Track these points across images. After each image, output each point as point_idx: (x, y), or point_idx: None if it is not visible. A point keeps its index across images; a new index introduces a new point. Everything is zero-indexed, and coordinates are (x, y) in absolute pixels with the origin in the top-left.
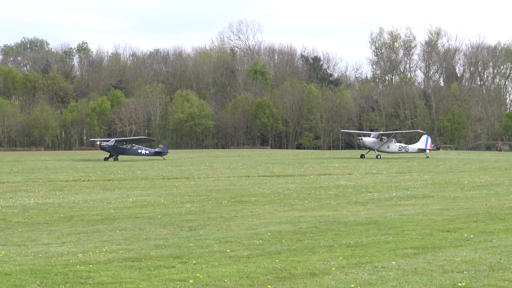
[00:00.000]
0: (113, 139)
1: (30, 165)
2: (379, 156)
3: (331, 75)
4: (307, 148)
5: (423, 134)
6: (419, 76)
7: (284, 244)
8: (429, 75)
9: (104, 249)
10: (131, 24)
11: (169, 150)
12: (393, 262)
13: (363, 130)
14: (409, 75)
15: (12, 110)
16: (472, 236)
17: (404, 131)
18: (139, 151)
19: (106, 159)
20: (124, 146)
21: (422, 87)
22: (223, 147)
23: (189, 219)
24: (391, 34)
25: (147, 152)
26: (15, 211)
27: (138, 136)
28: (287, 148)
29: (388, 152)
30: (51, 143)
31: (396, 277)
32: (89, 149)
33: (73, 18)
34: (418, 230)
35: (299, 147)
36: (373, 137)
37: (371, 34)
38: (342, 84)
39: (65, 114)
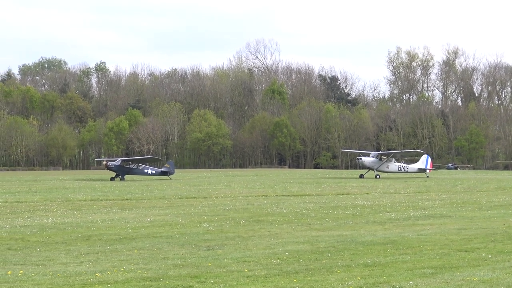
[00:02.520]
0: (119, 159)
1: (48, 184)
2: (378, 176)
3: (348, 94)
4: (325, 168)
5: (423, 154)
6: (437, 95)
7: (302, 263)
8: (447, 94)
9: (122, 269)
10: (149, 43)
11: (185, 170)
12: (411, 282)
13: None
14: (426, 94)
15: (30, 129)
16: (490, 256)
17: (403, 151)
18: (145, 170)
19: (112, 179)
20: (130, 166)
21: (440, 106)
22: (240, 167)
23: (207, 238)
24: (408, 53)
25: (153, 171)
26: (33, 231)
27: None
28: (304, 168)
29: (388, 172)
30: (69, 162)
31: None
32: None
33: (91, 37)
34: (436, 250)
35: (316, 166)
36: (372, 156)
37: (388, 53)
38: (359, 103)
39: (83, 134)
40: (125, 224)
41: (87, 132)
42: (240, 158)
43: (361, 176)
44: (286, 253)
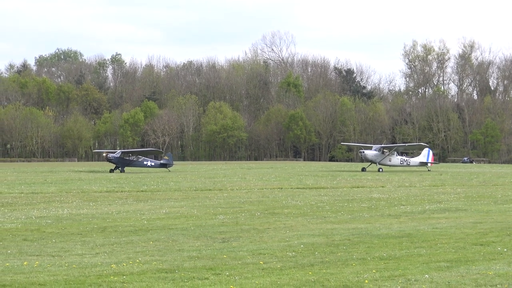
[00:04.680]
0: (119, 151)
1: (63, 175)
2: (381, 169)
3: (364, 87)
4: (340, 161)
5: (425, 147)
6: (453, 89)
7: (317, 256)
8: (463, 88)
9: (137, 260)
10: (165, 35)
11: (200, 162)
12: (426, 275)
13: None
14: (442, 88)
15: (46, 120)
16: (505, 249)
17: (406, 144)
18: (145, 162)
19: (112, 170)
20: (130, 158)
21: (455, 100)
22: (256, 159)
23: (222, 230)
24: (424, 47)
25: (153, 164)
26: (49, 222)
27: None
28: (320, 161)
29: (390, 165)
30: (85, 154)
31: None
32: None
33: (106, 29)
34: (451, 244)
35: (332, 159)
36: (375, 150)
37: (404, 46)
38: (375, 96)
39: (98, 125)
40: (140, 216)
41: (103, 123)
42: (255, 151)
43: (363, 170)
44: (302, 245)
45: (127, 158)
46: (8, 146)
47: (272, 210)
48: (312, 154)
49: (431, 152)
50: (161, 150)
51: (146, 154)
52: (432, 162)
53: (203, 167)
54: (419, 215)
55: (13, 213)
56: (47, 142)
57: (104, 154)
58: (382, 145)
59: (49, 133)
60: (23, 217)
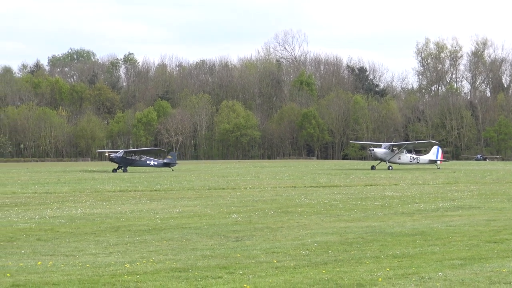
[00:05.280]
0: (121, 150)
1: (77, 175)
2: (390, 167)
3: (377, 85)
4: (353, 159)
5: (435, 144)
6: (466, 86)
7: (330, 254)
8: (476, 85)
9: (151, 260)
10: (177, 35)
11: (213, 161)
12: (440, 273)
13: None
14: (455, 85)
15: (59, 120)
16: None
17: (416, 142)
18: (148, 162)
19: (114, 170)
20: (133, 158)
21: (468, 97)
22: (269, 158)
23: (236, 229)
24: (437, 44)
25: (156, 163)
26: (62, 221)
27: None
28: (333, 159)
29: (399, 163)
30: (98, 153)
31: None
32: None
33: (119, 29)
34: (465, 241)
35: (345, 157)
36: (384, 148)
37: (417, 44)
38: (388, 94)
39: (111, 125)
40: (154, 215)
41: (116, 123)
42: (268, 149)
43: (373, 168)
44: (315, 244)
45: (130, 157)
46: (22, 146)
47: (285, 208)
48: (325, 152)
49: (440, 150)
50: (163, 149)
51: (149, 153)
52: (442, 160)
53: (216, 166)
54: (433, 213)
55: (27, 213)
56: (60, 142)
57: (107, 154)
58: (392, 143)
59: (62, 133)
60: (37, 217)
